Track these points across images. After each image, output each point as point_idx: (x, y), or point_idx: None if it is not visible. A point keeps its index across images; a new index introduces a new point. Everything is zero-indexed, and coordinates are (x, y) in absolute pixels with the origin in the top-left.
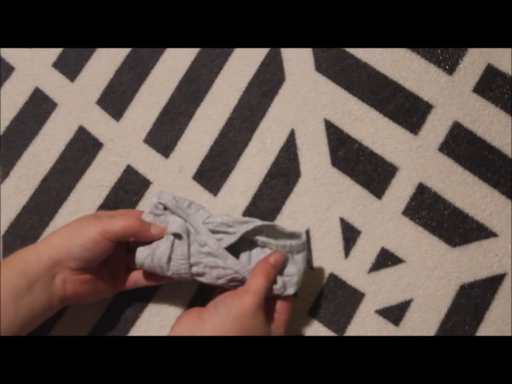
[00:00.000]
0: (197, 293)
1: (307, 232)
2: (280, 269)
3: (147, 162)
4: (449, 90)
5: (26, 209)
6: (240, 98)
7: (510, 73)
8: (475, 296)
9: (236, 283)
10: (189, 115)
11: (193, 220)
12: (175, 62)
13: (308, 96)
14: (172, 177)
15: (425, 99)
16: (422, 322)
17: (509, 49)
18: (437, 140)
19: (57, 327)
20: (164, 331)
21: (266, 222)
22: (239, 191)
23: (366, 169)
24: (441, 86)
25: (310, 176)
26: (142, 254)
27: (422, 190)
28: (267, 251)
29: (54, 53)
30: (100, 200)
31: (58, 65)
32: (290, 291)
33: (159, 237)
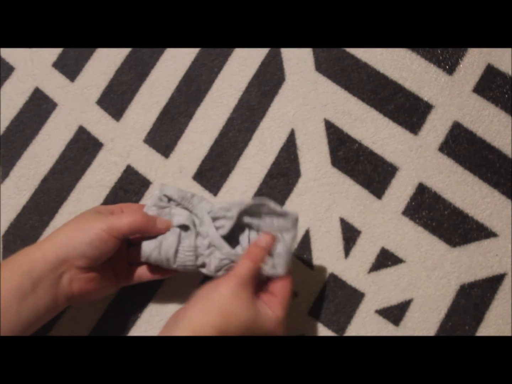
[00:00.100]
0: None
1: (307, 232)
2: (271, 249)
3: (147, 162)
4: (449, 90)
5: (26, 209)
6: (240, 98)
7: (510, 73)
8: (475, 296)
9: None
10: (189, 115)
11: (198, 211)
12: (175, 62)
13: (308, 96)
14: (172, 177)
15: (425, 99)
16: (422, 322)
17: (509, 49)
18: (437, 140)
19: (57, 327)
20: None
21: (257, 200)
22: (239, 191)
23: (366, 169)
24: (441, 86)
25: (310, 176)
26: (148, 247)
27: (422, 190)
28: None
29: (54, 53)
30: (100, 200)
31: (58, 65)
32: (280, 271)
33: (166, 231)
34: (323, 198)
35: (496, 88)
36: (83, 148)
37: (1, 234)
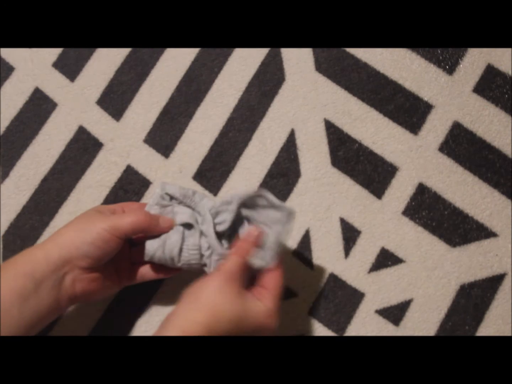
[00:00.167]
0: None
1: (307, 232)
2: (259, 243)
3: (147, 162)
4: (449, 90)
5: (26, 209)
6: (240, 98)
7: (510, 73)
8: (475, 296)
9: None
10: (189, 115)
11: (200, 209)
12: (175, 62)
13: (308, 96)
14: (172, 177)
15: (425, 99)
16: (422, 322)
17: (509, 49)
18: (437, 140)
19: (57, 327)
20: None
21: (256, 191)
22: (239, 191)
23: (366, 169)
24: (441, 86)
25: (310, 176)
26: (152, 246)
27: (422, 190)
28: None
29: (54, 53)
30: (100, 200)
31: (58, 65)
32: (268, 263)
33: (169, 230)
34: (323, 198)
35: (496, 88)
36: (83, 148)
37: (1, 234)
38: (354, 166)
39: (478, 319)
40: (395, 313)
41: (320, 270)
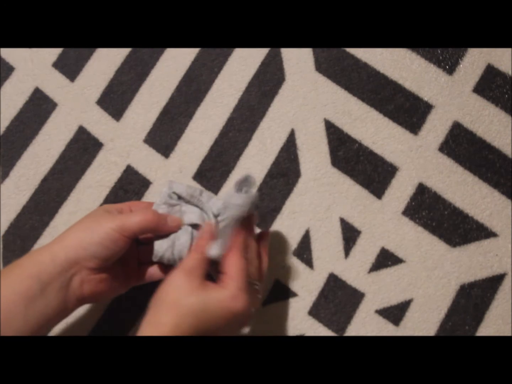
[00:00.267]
0: None
1: (307, 232)
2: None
3: (147, 162)
4: (449, 90)
5: (26, 209)
6: (240, 98)
7: (510, 73)
8: (475, 296)
9: None
10: (189, 115)
11: (208, 209)
12: (175, 62)
13: (308, 96)
14: (172, 177)
15: (425, 99)
16: (422, 322)
17: (509, 49)
18: (437, 140)
19: (57, 327)
20: None
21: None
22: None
23: (366, 169)
24: (441, 86)
25: (310, 176)
26: (161, 247)
27: (422, 190)
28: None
29: (54, 53)
30: (100, 200)
31: (58, 65)
32: (223, 249)
33: (177, 229)
34: (323, 198)
35: (496, 88)
36: (83, 148)
37: (1, 234)
38: (354, 166)
39: (478, 319)
40: (395, 313)
41: (320, 270)
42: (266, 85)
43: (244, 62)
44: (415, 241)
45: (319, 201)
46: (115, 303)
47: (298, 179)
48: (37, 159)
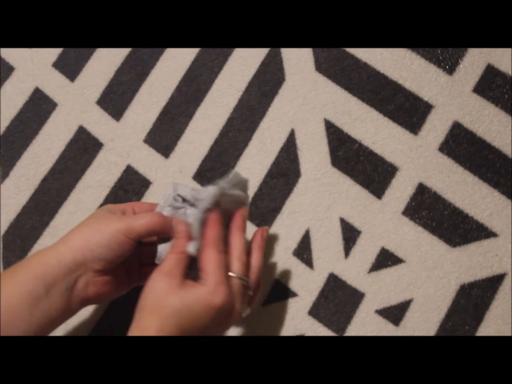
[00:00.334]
0: None
1: (307, 232)
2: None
3: (147, 162)
4: (449, 90)
5: (26, 209)
6: (240, 98)
7: (510, 73)
8: (475, 296)
9: None
10: (189, 115)
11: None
12: (175, 62)
13: (308, 96)
14: (172, 177)
15: (425, 99)
16: (422, 322)
17: (509, 49)
18: (437, 140)
19: (58, 327)
20: None
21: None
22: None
23: (366, 169)
24: (441, 86)
25: (310, 176)
26: (165, 250)
27: (422, 190)
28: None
29: (54, 53)
30: (100, 200)
31: (58, 65)
32: (196, 247)
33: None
34: (323, 198)
35: (496, 88)
36: (83, 148)
37: (1, 234)
38: (354, 166)
39: (478, 319)
40: (395, 313)
41: (320, 270)
42: (266, 85)
43: (244, 62)
44: (415, 241)
45: (319, 201)
46: (115, 303)
47: (298, 179)
48: (37, 159)
